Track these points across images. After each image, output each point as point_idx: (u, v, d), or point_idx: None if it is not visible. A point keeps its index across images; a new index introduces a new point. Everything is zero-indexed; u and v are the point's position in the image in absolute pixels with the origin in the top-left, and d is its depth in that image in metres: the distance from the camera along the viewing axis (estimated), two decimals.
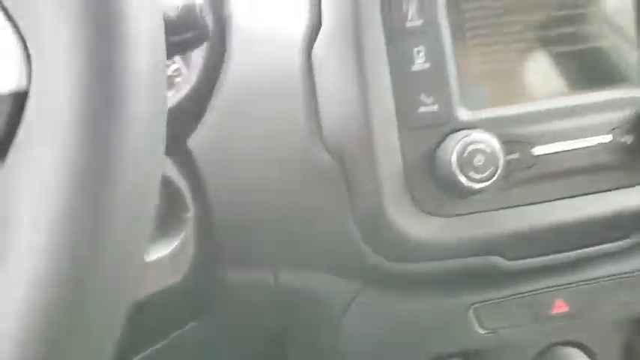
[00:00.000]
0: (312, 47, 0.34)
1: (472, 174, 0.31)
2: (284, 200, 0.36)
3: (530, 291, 0.38)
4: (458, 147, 0.31)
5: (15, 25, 0.17)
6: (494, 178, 0.31)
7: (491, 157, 0.31)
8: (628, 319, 0.40)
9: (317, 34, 0.34)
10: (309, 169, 0.35)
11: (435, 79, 0.33)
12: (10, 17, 0.17)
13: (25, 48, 0.17)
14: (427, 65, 0.33)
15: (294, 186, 0.35)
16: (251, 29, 0.36)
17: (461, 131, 0.32)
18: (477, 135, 0.31)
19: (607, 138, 0.34)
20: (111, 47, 0.16)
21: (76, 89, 0.16)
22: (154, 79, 0.18)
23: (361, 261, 0.35)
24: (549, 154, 0.33)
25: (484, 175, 0.31)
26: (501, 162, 0.31)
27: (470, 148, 0.31)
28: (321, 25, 0.34)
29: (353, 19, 0.33)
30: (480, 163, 0.31)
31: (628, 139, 0.34)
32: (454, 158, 0.31)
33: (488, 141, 0.31)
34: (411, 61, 0.33)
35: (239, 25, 0.36)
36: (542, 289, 0.38)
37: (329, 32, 0.33)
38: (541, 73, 0.35)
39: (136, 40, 0.17)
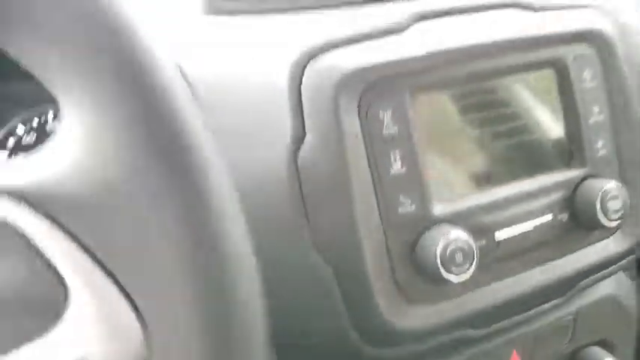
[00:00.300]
0: (297, 155, 0.35)
1: (453, 269, 0.35)
2: (275, 300, 0.37)
3: (491, 348, 0.43)
4: (440, 247, 0.35)
5: (132, 301, 0.17)
6: (471, 270, 0.35)
7: (468, 253, 0.35)
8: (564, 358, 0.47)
9: (301, 143, 0.35)
10: (301, 270, 0.36)
11: (411, 182, 0.36)
12: (126, 293, 0.17)
13: (145, 325, 0.17)
14: (403, 169, 0.36)
15: (286, 287, 0.37)
16: (235, 136, 0.37)
17: (438, 227, 0.36)
18: (454, 233, 0.35)
19: (548, 218, 0.40)
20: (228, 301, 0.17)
21: None
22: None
23: (351, 348, 0.38)
24: (508, 238, 0.39)
25: (463, 268, 0.35)
26: (476, 256, 0.35)
27: (450, 247, 0.35)
28: (305, 135, 0.35)
29: (335, 129, 0.35)
30: (460, 260, 0.35)
31: (564, 217, 0.41)
32: (438, 257, 0.35)
33: (465, 238, 0.35)
34: (389, 166, 0.36)
35: (223, 130, 0.37)
36: (500, 344, 0.43)
37: (313, 141, 0.35)
38: (494, 164, 0.40)
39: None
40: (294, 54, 0.36)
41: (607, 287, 0.48)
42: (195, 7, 0.42)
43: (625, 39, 0.45)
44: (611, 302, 0.48)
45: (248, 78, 0.38)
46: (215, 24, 0.41)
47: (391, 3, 0.40)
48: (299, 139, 0.35)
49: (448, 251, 0.35)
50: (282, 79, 0.36)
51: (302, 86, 0.35)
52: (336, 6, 0.40)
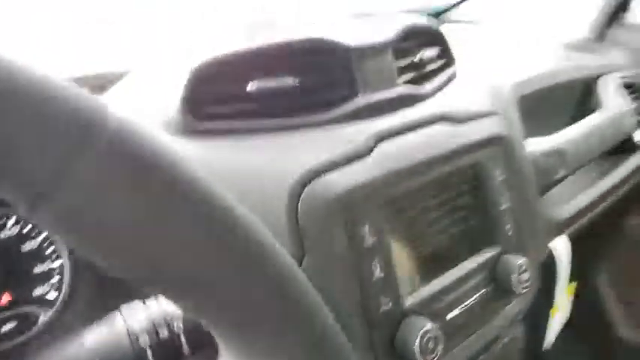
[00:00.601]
0: None
1: (428, 356, 0.42)
2: None
3: None
4: (417, 339, 0.42)
5: None
6: (440, 353, 0.43)
7: (437, 339, 0.43)
8: None
9: (302, 262, 0.40)
10: None
11: (388, 284, 0.43)
12: None
13: None
14: (382, 274, 0.43)
15: None
16: None
17: (409, 318, 0.43)
18: (428, 325, 0.42)
19: (479, 292, 0.50)
20: None
21: None
22: None
23: None
24: (455, 316, 0.47)
25: (434, 353, 0.43)
26: (441, 340, 0.43)
27: (425, 337, 0.42)
28: (304, 255, 0.40)
29: (329, 248, 0.40)
30: (432, 346, 0.42)
31: (489, 290, 0.51)
32: (416, 348, 0.42)
33: (433, 328, 0.43)
34: (372, 273, 0.42)
35: None
36: None
37: (310, 261, 0.40)
38: (441, 255, 0.48)
39: None
40: (287, 183, 0.40)
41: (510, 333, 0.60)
42: (166, 128, 0.43)
43: (516, 139, 0.57)
44: (514, 343, 0.61)
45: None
46: (196, 146, 0.43)
47: (354, 123, 0.46)
48: (299, 258, 0.40)
49: (424, 341, 0.42)
50: (279, 206, 0.40)
51: (298, 213, 0.40)
52: (306, 127, 0.45)
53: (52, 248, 0.50)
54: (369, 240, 0.42)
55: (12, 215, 0.48)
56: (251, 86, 0.44)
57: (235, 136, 0.43)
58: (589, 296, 1.07)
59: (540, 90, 0.73)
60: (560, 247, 0.73)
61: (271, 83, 0.44)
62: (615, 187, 0.80)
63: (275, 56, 0.45)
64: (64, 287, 0.50)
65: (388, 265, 0.43)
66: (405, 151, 0.46)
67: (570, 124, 0.75)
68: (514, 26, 1.11)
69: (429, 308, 0.45)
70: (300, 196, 0.40)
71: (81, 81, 0.50)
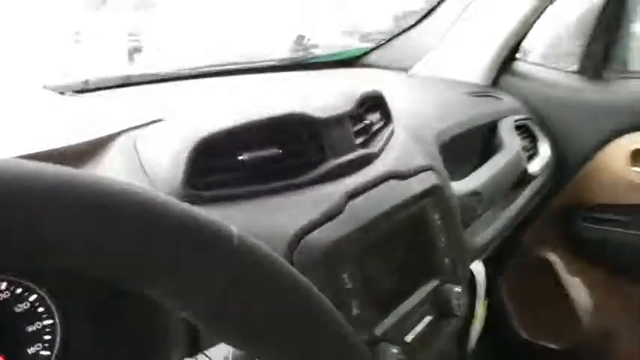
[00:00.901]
0: None
1: None
2: None
3: None
4: None
5: None
6: None
7: None
8: None
9: None
10: None
11: (363, 318, 0.52)
12: None
13: None
14: (359, 311, 0.52)
15: None
16: None
17: (379, 345, 0.53)
18: (395, 350, 0.52)
19: (429, 317, 0.61)
20: None
21: None
22: None
23: None
24: (412, 339, 0.58)
25: None
26: None
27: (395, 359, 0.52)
28: None
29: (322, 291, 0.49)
30: None
31: (436, 314, 0.62)
32: None
33: (400, 352, 0.53)
34: (351, 310, 0.51)
35: None
36: None
37: None
38: (399, 290, 0.58)
39: None
40: (283, 241, 0.48)
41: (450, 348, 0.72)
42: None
43: (446, 186, 0.69)
44: (450, 355, 0.73)
45: None
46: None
47: (326, 184, 0.55)
48: None
49: None
50: None
51: (294, 266, 0.48)
52: (289, 189, 0.53)
53: (42, 308, 0.53)
54: (349, 283, 0.51)
55: (4, 280, 0.51)
56: (243, 157, 0.51)
57: (231, 201, 0.51)
58: (496, 308, 1.24)
59: (455, 136, 0.87)
60: (478, 268, 0.87)
61: (260, 153, 0.52)
62: (518, 214, 0.96)
63: (260, 129, 0.53)
64: (57, 345, 0.53)
65: (363, 303, 0.52)
66: (368, 207, 0.56)
67: (480, 163, 0.90)
68: (424, 70, 1.26)
69: (392, 335, 0.55)
70: (293, 252, 0.48)
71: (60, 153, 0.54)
